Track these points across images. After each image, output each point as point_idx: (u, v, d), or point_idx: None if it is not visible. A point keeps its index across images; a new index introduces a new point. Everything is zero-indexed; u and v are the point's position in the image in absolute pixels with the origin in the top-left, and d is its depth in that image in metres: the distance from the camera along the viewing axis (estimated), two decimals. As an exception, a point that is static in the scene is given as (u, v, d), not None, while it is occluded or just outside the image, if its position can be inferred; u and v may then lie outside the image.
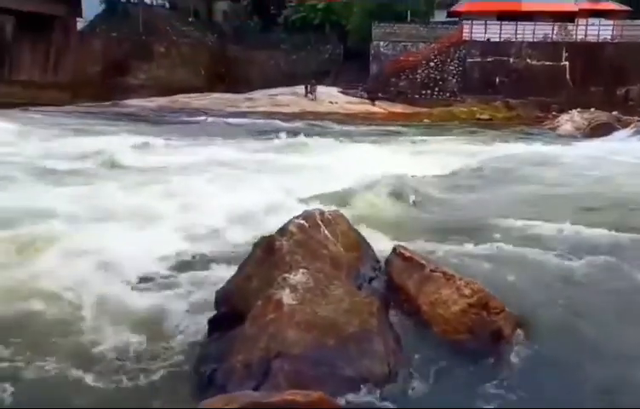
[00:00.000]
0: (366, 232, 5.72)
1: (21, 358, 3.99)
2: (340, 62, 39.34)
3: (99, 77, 36.06)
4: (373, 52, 35.33)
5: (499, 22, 33.03)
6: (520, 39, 31.94)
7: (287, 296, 3.96)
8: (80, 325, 4.46)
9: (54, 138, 15.94)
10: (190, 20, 42.03)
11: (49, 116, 23.74)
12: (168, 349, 4.22)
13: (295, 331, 3.57)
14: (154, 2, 41.21)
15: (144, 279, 5.24)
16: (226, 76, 39.38)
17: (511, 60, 31.84)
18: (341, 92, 33.87)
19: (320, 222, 5.24)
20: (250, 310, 4.05)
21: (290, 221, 5.03)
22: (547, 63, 31.25)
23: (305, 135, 17.10)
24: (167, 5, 42.28)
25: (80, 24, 37.32)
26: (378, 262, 5.14)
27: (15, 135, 15.90)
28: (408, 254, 4.76)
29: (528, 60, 31.55)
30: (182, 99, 31.28)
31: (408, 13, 36.59)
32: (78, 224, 6.50)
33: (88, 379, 3.78)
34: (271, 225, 5.58)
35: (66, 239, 5.89)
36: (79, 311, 4.63)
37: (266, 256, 4.83)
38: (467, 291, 4.02)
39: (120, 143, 13.78)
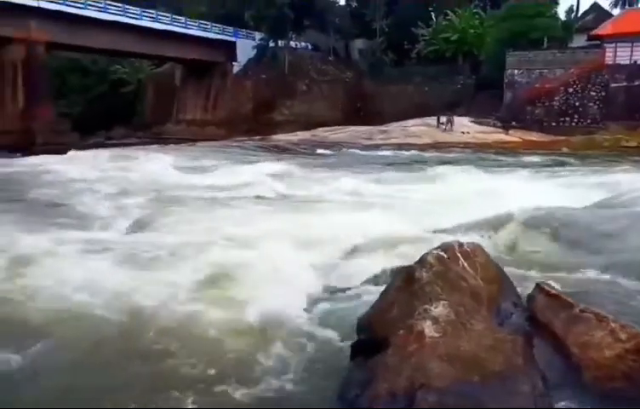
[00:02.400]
0: (505, 265, 5.41)
1: (199, 363, 4.26)
2: (471, 92, 38.30)
3: (250, 114, 38.56)
4: (507, 80, 33.93)
5: (647, 45, 30.08)
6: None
7: (428, 328, 3.86)
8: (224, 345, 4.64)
9: (212, 169, 17.25)
10: (329, 59, 43.46)
11: (209, 149, 25.71)
12: (313, 370, 4.28)
13: (438, 363, 3.46)
14: (298, 46, 43.21)
15: (285, 300, 5.35)
16: (362, 110, 40.09)
17: (663, 84, 28.78)
18: (473, 122, 32.87)
19: (459, 254, 5.05)
20: (391, 338, 4.01)
21: (429, 253, 4.90)
22: (703, 86, 27.83)
23: (438, 166, 16.78)
24: (309, 47, 44.13)
25: (235, 68, 40.13)
26: (519, 297, 4.83)
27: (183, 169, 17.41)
28: (553, 291, 4.43)
29: (681, 84, 28.34)
30: (321, 133, 32.27)
31: (545, 39, 34.63)
32: (236, 246, 6.92)
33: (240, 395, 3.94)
34: (410, 255, 5.48)
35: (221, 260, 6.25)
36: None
37: (406, 285, 4.75)
38: (623, 335, 3.63)
39: (266, 173, 14.57)
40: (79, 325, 5.10)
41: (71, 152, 24.01)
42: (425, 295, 4.44)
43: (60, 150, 24.46)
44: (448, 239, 5.66)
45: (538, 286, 4.62)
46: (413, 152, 23.55)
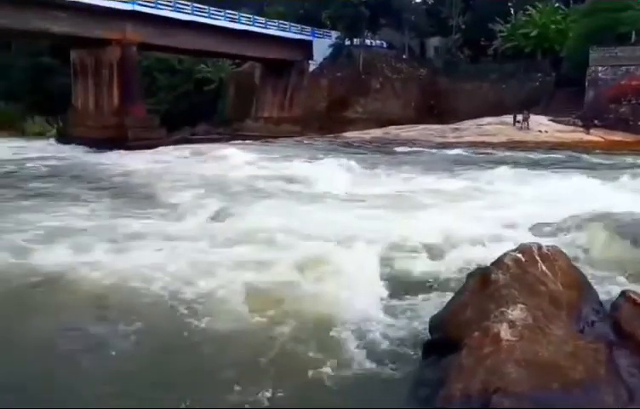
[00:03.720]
0: (586, 270, 5.14)
1: (282, 361, 4.34)
2: (551, 90, 36.44)
3: (324, 112, 38.77)
4: (589, 77, 32.01)
5: None
6: None
7: (505, 331, 3.73)
8: (301, 340, 4.65)
9: (281, 165, 17.52)
10: (403, 56, 42.87)
11: (284, 146, 26.12)
12: (385, 367, 4.25)
13: (515, 368, 3.34)
14: (373, 44, 42.95)
15: (359, 296, 5.34)
16: (435, 107, 39.24)
17: None
18: (552, 120, 31.27)
19: (537, 257, 4.84)
20: (464, 339, 3.91)
21: (506, 254, 4.73)
22: None
23: (514, 165, 16.13)
24: (384, 45, 43.74)
25: (312, 66, 40.49)
26: (601, 304, 4.57)
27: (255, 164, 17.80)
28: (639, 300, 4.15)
29: None
30: (394, 130, 31.88)
31: (633, 33, 32.34)
32: (310, 241, 6.99)
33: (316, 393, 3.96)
34: (486, 256, 5.33)
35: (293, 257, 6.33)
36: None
37: (481, 287, 4.61)
38: None
39: (340, 170, 14.60)
40: (166, 304, 5.31)
41: (160, 148, 25.19)
42: (501, 297, 4.29)
43: (150, 145, 25.76)
44: (527, 240, 5.45)
45: (624, 294, 4.34)
46: (488, 150, 22.76)
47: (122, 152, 23.84)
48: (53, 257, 6.56)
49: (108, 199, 11.78)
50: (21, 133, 38.61)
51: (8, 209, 10.37)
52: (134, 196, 12.60)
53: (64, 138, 31.39)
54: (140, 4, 30.19)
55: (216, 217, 9.23)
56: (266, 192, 12.11)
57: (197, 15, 33.30)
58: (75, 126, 31.79)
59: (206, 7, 34.40)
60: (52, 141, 32.55)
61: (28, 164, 20.51)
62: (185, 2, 33.29)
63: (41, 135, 37.11)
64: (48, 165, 20.07)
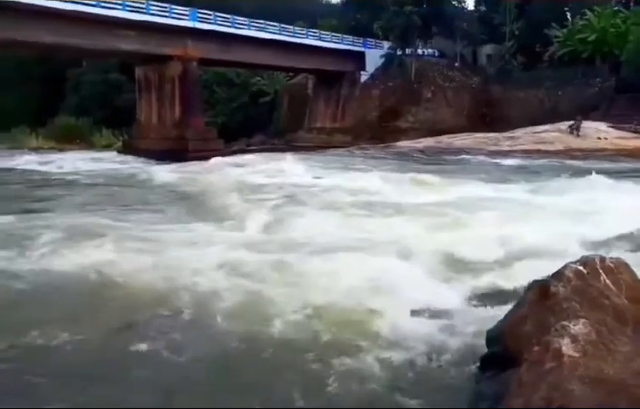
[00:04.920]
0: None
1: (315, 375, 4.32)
2: (610, 95, 34.82)
3: (375, 122, 38.66)
4: (652, 82, 30.39)
5: None
6: None
7: (567, 346, 3.58)
8: (353, 349, 4.57)
9: (335, 174, 17.55)
10: (455, 65, 42.20)
11: (337, 156, 26.21)
12: (442, 380, 4.17)
13: (579, 385, 3.19)
14: (425, 53, 42.52)
15: (416, 309, 5.26)
16: (488, 116, 38.33)
17: None
18: (611, 127, 29.86)
19: (600, 270, 4.61)
20: (524, 354, 3.78)
21: (566, 266, 4.53)
22: None
23: (572, 174, 15.50)
24: (436, 54, 43.23)
25: (363, 77, 40.51)
26: (671, 320, 4.29)
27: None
28: None
29: None
30: (446, 139, 31.38)
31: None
32: (366, 250, 6.94)
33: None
34: (544, 268, 5.12)
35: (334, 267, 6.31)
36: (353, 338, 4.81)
37: (541, 300, 4.44)
38: None
39: (395, 179, 14.48)
40: (223, 312, 5.40)
41: (217, 158, 25.81)
42: (562, 311, 4.12)
43: (208, 156, 26.47)
44: (589, 252, 5.23)
45: (695, 310, 4.08)
46: (544, 159, 21.98)
47: (184, 163, 24.61)
48: (126, 261, 6.82)
49: (178, 208, 12.13)
50: (90, 145, 40.60)
51: (86, 215, 10.90)
52: (194, 205, 12.95)
53: (128, 150, 32.76)
54: (200, 21, 31.20)
55: (277, 226, 9.32)
56: (324, 201, 12.13)
57: (253, 30, 34.05)
58: (139, 139, 33.13)
59: (262, 22, 35.12)
60: (116, 153, 33.94)
61: (95, 174, 21.55)
62: (242, 18, 34.12)
63: (108, 147, 38.89)
64: (114, 175, 21.03)
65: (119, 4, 28.13)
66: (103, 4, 27.49)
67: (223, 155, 27.67)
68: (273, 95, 45.38)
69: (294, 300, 5.45)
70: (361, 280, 5.75)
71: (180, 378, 4.25)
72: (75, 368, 4.42)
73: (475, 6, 47.10)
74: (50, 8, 25.22)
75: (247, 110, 44.48)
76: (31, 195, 15.64)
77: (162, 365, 4.44)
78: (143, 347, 4.67)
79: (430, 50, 43.55)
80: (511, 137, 30.01)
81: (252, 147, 36.20)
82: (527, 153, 24.88)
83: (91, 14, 26.65)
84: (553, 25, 38.18)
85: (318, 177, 17.33)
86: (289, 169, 19.18)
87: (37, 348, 4.71)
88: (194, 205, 12.89)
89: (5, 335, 4.91)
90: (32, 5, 24.61)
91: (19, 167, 25.14)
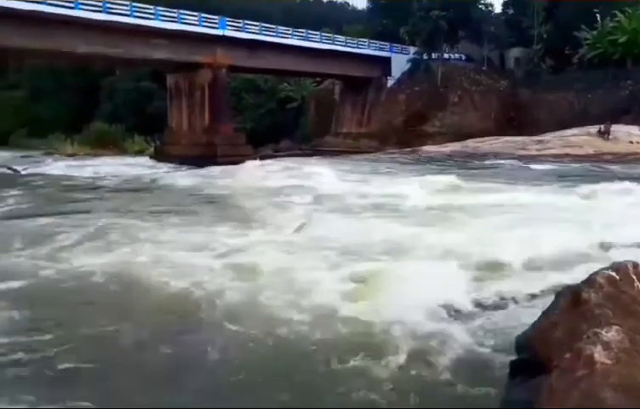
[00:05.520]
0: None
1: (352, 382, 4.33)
2: (643, 98, 33.90)
3: (401, 127, 38.44)
4: (686, 84, 29.44)
5: None
6: None
7: (599, 354, 3.51)
8: (383, 356, 4.58)
9: (370, 179, 17.53)
10: (482, 69, 41.70)
11: (364, 161, 26.17)
12: (470, 385, 4.14)
13: (612, 393, 3.13)
14: (452, 57, 42.16)
15: (447, 311, 5.25)
16: (515, 119, 37.70)
17: None
18: (644, 130, 29.02)
19: (633, 276, 4.52)
20: (554, 360, 3.72)
21: (598, 272, 4.45)
22: None
23: (603, 178, 15.13)
24: (462, 58, 42.82)
25: (389, 82, 40.34)
26: None
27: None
28: None
29: None
30: (473, 143, 31.00)
31: None
32: (393, 255, 6.94)
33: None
34: (574, 274, 5.05)
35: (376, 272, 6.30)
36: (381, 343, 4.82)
37: (572, 306, 4.37)
38: None
39: (422, 184, 14.40)
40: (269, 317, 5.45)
41: (247, 163, 26.09)
42: (594, 318, 4.05)
43: (236, 161, 26.78)
44: (621, 258, 5.11)
45: None
46: (574, 164, 21.53)
47: (212, 168, 24.93)
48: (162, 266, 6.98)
49: (212, 214, 12.31)
50: (123, 151, 41.48)
51: (124, 218, 11.18)
52: (227, 209, 13.15)
53: (160, 156, 33.33)
54: (229, 29, 31.61)
55: (312, 230, 9.37)
56: (354, 206, 12.16)
57: (281, 37, 34.31)
58: (170, 145, 33.70)
59: (289, 29, 35.38)
60: (148, 158, 34.54)
61: (129, 179, 22.03)
62: (270, 25, 34.44)
63: (140, 153, 39.66)
64: (147, 180, 21.45)
65: (152, 14, 28.74)
66: (137, 14, 28.14)
67: (251, 160, 27.97)
68: (300, 100, 45.61)
69: (332, 302, 5.53)
70: (395, 284, 5.77)
71: (232, 379, 4.31)
72: (117, 366, 4.55)
73: (502, 9, 46.50)
74: (85, 19, 25.90)
75: (274, 116, 44.83)
76: (70, 198, 16.13)
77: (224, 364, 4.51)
78: (198, 348, 4.76)
79: (456, 54, 43.13)
80: (540, 141, 29.43)
81: (279, 153, 36.46)
82: (556, 157, 24.41)
83: (125, 23, 27.28)
84: (583, 27, 37.38)
85: (348, 181, 17.36)
86: (320, 174, 19.25)
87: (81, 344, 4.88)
88: (230, 209, 13.08)
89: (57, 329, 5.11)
90: (68, 16, 25.32)
91: (55, 172, 25.87)
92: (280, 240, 8.62)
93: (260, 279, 6.33)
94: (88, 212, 12.38)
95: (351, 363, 4.41)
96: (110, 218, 11.13)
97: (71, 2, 25.80)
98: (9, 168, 26.76)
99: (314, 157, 30.21)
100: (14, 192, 17.04)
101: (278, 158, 29.87)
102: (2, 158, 30.29)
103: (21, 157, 35.07)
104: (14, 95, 55.36)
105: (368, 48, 39.69)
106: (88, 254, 7.81)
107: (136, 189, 18.87)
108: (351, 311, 5.31)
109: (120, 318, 5.45)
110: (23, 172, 25.65)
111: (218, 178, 21.15)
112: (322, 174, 19.11)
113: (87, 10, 26.17)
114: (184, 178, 22.20)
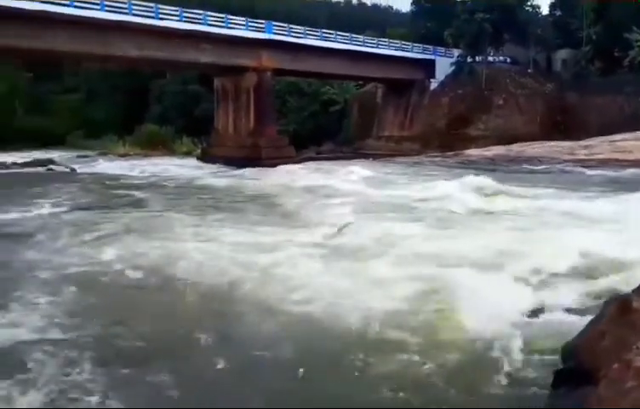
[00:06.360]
0: None
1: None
2: (699, 101, 32.18)
3: (444, 130, 37.85)
4: None
5: None
6: None
7: (649, 366, 3.40)
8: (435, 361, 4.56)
9: (411, 182, 17.39)
10: (528, 71, 40.60)
11: (407, 164, 25.96)
12: (515, 394, 4.08)
13: (662, 406, 3.04)
14: (496, 60, 41.26)
15: (495, 317, 5.16)
16: (562, 123, 36.49)
17: None
18: (701, 134, 27.56)
19: (686, 287, 4.36)
20: (601, 370, 3.63)
21: (648, 282, 4.31)
22: None
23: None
24: (507, 60, 41.82)
25: (433, 84, 39.82)
26: None
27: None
28: None
29: None
30: (517, 147, 30.20)
31: None
32: (439, 260, 6.88)
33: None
34: (624, 282, 4.89)
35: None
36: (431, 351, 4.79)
37: (620, 315, 4.24)
38: None
39: (467, 188, 14.17)
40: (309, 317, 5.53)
41: (290, 165, 26.34)
42: (643, 329, 3.92)
43: (280, 162, 27.09)
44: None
45: None
46: (623, 169, 20.63)
47: (256, 168, 25.33)
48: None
49: (256, 212, 12.55)
50: (172, 152, 42.56)
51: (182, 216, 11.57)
52: (270, 208, 13.37)
53: (206, 157, 34.03)
54: (274, 32, 31.98)
55: (338, 232, 9.41)
56: (395, 208, 12.11)
57: (324, 40, 34.43)
58: (216, 146, 34.36)
59: (333, 32, 35.48)
60: (195, 159, 35.29)
61: (180, 178, 22.65)
62: (315, 29, 34.61)
63: (188, 154, 40.59)
64: (196, 179, 22.01)
65: (200, 19, 29.42)
66: (186, 19, 28.88)
67: (293, 162, 28.22)
68: (343, 103, 45.61)
69: (378, 303, 5.55)
70: (436, 291, 5.73)
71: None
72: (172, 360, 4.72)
73: (549, 10, 45.10)
74: (138, 24, 26.75)
75: (317, 118, 45.00)
76: (117, 194, 16.84)
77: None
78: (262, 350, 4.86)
79: (501, 57, 42.17)
80: (588, 146, 28.37)
81: (321, 155, 36.60)
82: (604, 163, 23.49)
83: (174, 28, 28.03)
84: (634, 28, 35.82)
85: (389, 184, 17.28)
86: (360, 175, 19.23)
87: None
88: (273, 209, 13.30)
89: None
90: (122, 22, 26.23)
91: (106, 171, 26.88)
92: (323, 242, 8.69)
93: (305, 277, 6.41)
94: (133, 207, 12.92)
95: (401, 359, 4.42)
96: (149, 212, 11.61)
97: (125, 9, 26.74)
98: (66, 167, 27.97)
99: (356, 159, 30.16)
100: (70, 188, 17.93)
101: (321, 161, 30.00)
102: (60, 158, 31.67)
103: (77, 157, 36.58)
104: (71, 97, 57.76)
105: (411, 51, 39.33)
106: (130, 243, 8.17)
107: (180, 187, 19.42)
108: (404, 313, 5.32)
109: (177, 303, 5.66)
110: (79, 171, 26.76)
111: (260, 179, 21.49)
112: (362, 175, 19.09)
113: (139, 16, 27.05)
114: (227, 178, 22.68)
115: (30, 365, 4.37)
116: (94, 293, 6.25)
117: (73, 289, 6.29)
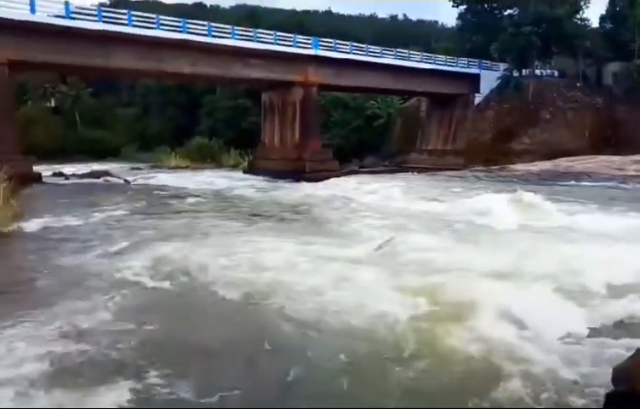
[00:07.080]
0: None
1: None
2: None
3: (488, 144, 37.14)
4: None
5: None
6: None
7: None
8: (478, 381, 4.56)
9: (453, 197, 17.21)
10: (577, 85, 39.38)
11: (452, 178, 25.65)
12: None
13: None
14: (543, 73, 40.23)
15: (543, 336, 5.08)
16: (612, 138, 35.16)
17: None
18: None
19: None
20: (654, 394, 3.54)
21: None
22: None
23: None
24: (555, 74, 40.70)
25: (477, 99, 39.20)
26: None
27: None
28: None
29: None
30: (565, 163, 29.35)
31: None
32: (487, 276, 6.81)
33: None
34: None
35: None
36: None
37: (674, 340, 4.12)
38: None
39: (508, 203, 13.92)
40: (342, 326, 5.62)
41: (333, 179, 26.50)
42: (699, 354, 3.79)
43: (324, 176, 27.31)
44: None
45: None
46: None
47: (300, 182, 25.63)
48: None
49: (300, 224, 12.75)
50: (220, 165, 43.53)
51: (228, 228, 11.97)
52: (313, 221, 13.54)
53: (252, 169, 34.65)
54: (321, 48, 32.38)
55: (395, 246, 9.44)
56: (438, 223, 12.04)
57: (370, 56, 34.55)
58: (262, 159, 34.94)
59: (378, 48, 35.56)
60: (242, 172, 35.91)
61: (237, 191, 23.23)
62: (360, 45, 34.80)
63: (235, 166, 41.40)
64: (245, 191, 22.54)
65: (251, 36, 30.18)
66: (238, 36, 29.70)
67: (337, 175, 28.37)
68: (386, 117, 45.51)
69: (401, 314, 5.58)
70: (476, 307, 5.69)
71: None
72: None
73: (599, 23, 43.62)
74: (192, 41, 27.72)
75: (361, 132, 45.03)
76: (167, 203, 17.47)
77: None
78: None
79: (548, 70, 41.05)
80: (638, 161, 27.27)
81: (364, 169, 36.60)
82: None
83: (226, 45, 28.86)
84: (692, 40, 34.25)
85: (432, 198, 17.15)
86: (402, 189, 19.15)
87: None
88: (316, 221, 13.46)
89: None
90: (177, 40, 27.23)
91: (157, 183, 27.79)
92: (365, 256, 8.76)
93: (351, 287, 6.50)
94: (179, 214, 13.45)
95: (432, 381, 4.44)
96: (197, 220, 12.07)
97: (179, 27, 27.75)
98: (120, 178, 29.13)
99: (399, 173, 30.02)
100: (126, 198, 18.67)
101: (363, 174, 30.01)
102: (115, 170, 33.00)
103: (130, 169, 37.98)
104: (127, 111, 60.22)
105: (456, 65, 38.85)
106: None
107: (225, 198, 19.92)
108: (447, 329, 5.31)
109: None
110: (132, 183, 27.81)
111: (304, 191, 21.72)
112: (405, 189, 19.02)
113: (193, 33, 28.04)
114: (273, 190, 23.05)
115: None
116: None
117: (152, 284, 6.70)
